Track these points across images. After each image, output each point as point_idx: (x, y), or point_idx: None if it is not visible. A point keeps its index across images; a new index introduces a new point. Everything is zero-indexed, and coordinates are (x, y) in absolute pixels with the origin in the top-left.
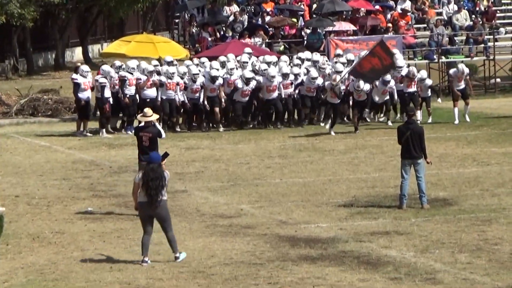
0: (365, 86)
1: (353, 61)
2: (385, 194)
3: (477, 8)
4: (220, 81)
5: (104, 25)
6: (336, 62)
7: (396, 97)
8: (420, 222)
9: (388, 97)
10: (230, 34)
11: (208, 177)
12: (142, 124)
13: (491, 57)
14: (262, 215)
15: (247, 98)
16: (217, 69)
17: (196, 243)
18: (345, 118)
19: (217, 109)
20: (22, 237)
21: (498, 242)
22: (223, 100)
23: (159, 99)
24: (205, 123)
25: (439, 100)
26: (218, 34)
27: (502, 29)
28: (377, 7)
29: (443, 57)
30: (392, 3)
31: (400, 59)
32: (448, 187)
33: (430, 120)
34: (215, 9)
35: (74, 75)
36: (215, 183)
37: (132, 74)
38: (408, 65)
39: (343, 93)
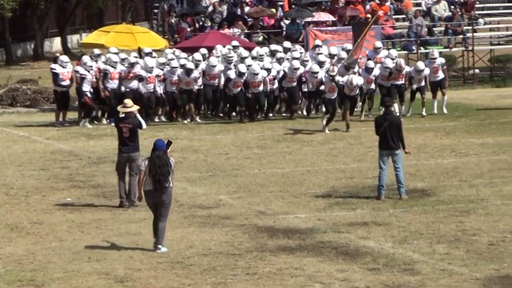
0: (358, 81)
1: (335, 55)
2: (363, 184)
3: None
4: (195, 74)
5: (83, 15)
6: (318, 54)
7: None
8: (398, 212)
9: (373, 86)
10: (209, 24)
11: (186, 167)
12: (123, 115)
13: (470, 48)
14: (240, 205)
15: (238, 89)
16: (199, 61)
17: (174, 234)
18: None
19: (191, 102)
20: (0, 227)
21: (476, 232)
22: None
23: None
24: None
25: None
26: (197, 24)
27: (481, 20)
28: None
29: (422, 47)
30: None
31: (388, 60)
32: (427, 178)
33: (424, 112)
34: (194, 0)
35: (53, 65)
36: (193, 174)
37: (114, 68)
38: (395, 57)
39: (341, 82)
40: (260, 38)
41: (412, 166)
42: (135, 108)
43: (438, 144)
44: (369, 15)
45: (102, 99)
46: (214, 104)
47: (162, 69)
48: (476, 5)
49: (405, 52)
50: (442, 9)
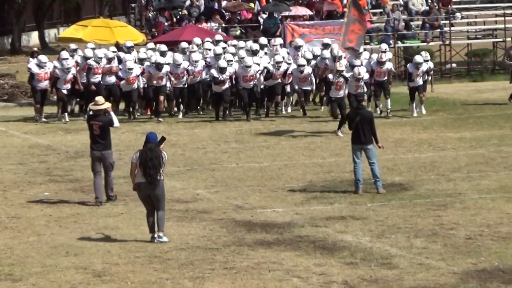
0: (364, 73)
1: (318, 55)
2: (341, 179)
3: None
4: (166, 69)
5: (61, 9)
6: (304, 52)
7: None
8: (376, 207)
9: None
10: (187, 18)
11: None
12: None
13: (447, 42)
14: (218, 200)
15: (224, 87)
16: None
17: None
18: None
19: (161, 98)
20: None
21: (454, 227)
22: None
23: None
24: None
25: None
26: (174, 18)
27: (458, 14)
28: None
29: (399, 42)
30: None
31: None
32: (404, 172)
33: (424, 111)
34: None
35: (30, 64)
36: (171, 168)
37: (98, 63)
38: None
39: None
40: (238, 32)
41: (389, 160)
42: (106, 105)
43: (416, 138)
44: (346, 10)
45: (79, 94)
46: (198, 99)
47: (142, 64)
48: None
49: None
50: (419, 3)
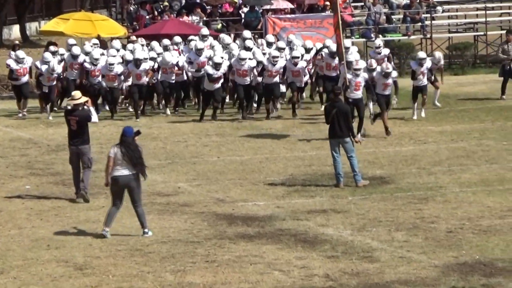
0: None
1: (311, 48)
2: (322, 172)
3: None
4: (145, 66)
5: (42, 2)
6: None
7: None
8: (357, 200)
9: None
10: (168, 11)
11: (145, 155)
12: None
13: (428, 36)
14: (199, 193)
15: (217, 86)
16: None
17: (133, 221)
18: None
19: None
20: None
21: (435, 220)
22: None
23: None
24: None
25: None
26: (156, 12)
27: (439, 8)
28: None
29: (380, 35)
30: None
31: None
32: (385, 166)
33: (423, 114)
34: None
35: (9, 60)
36: (152, 161)
37: (95, 65)
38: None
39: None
40: (219, 26)
41: (370, 153)
42: (83, 99)
43: (397, 132)
44: (327, 3)
45: (65, 90)
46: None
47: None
48: None
49: (363, 40)
50: None
